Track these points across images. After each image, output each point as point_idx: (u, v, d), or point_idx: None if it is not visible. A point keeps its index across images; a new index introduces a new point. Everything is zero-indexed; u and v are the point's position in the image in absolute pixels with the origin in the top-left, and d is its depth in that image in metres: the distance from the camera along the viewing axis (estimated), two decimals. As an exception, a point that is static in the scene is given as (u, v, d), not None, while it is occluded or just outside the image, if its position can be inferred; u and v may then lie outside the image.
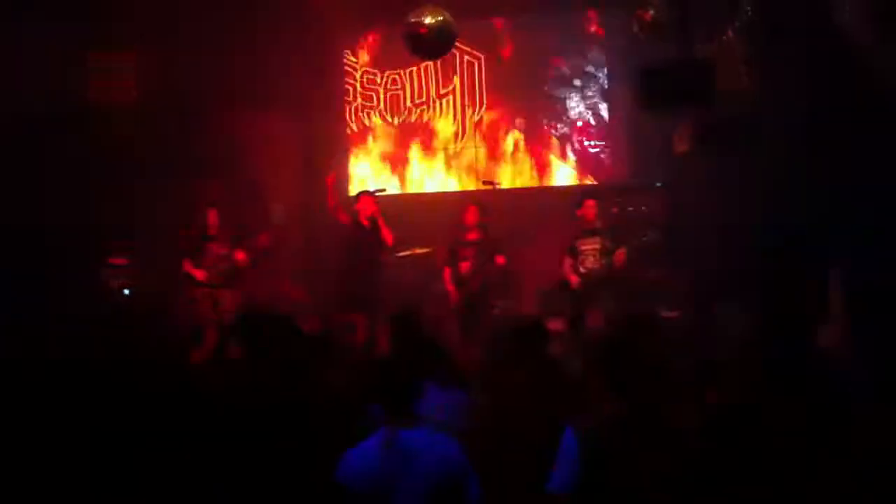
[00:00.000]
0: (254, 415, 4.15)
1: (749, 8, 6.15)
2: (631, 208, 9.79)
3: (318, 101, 10.97)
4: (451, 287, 8.71)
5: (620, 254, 8.00)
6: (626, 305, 7.87)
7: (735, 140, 6.45)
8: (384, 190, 9.24)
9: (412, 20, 6.76)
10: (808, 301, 5.31)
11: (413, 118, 11.11)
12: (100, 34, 8.63)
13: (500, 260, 8.50)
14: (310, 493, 3.70)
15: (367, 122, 11.25)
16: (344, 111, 11.31)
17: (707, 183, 7.61)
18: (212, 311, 8.47)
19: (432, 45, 6.89)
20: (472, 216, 8.69)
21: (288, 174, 10.82)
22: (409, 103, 11.06)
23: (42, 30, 7.99)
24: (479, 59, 10.78)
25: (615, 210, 9.48)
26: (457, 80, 10.90)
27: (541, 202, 10.27)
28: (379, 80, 11.13)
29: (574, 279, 8.33)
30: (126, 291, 8.35)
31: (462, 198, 10.05)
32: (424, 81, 10.98)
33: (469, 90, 10.88)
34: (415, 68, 10.92)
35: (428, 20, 6.73)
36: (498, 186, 9.88)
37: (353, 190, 11.00)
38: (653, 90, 6.21)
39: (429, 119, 11.06)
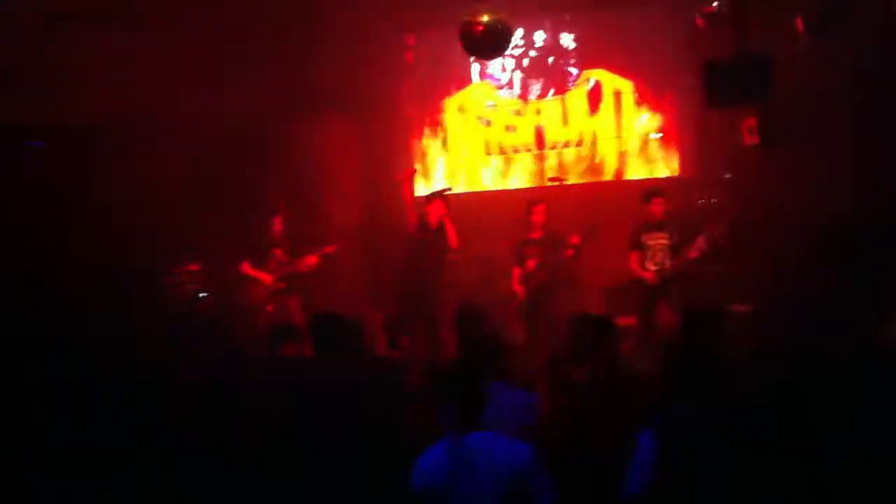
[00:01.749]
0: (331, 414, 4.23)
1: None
2: (701, 201, 9.65)
3: (378, 104, 11.00)
4: (517, 286, 8.70)
5: (700, 241, 7.86)
6: (696, 300, 7.76)
7: (800, 132, 6.32)
8: (450, 189, 9.25)
9: (468, 19, 6.75)
10: (877, 292, 5.17)
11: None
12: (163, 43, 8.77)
13: (575, 240, 8.41)
14: (387, 495, 3.74)
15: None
16: (404, 115, 11.28)
17: (775, 175, 7.46)
18: (277, 315, 8.63)
19: (488, 43, 6.86)
20: (539, 215, 8.66)
21: (350, 180, 10.88)
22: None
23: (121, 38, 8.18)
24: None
25: (682, 205, 9.34)
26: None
27: (607, 198, 10.16)
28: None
29: (647, 275, 8.23)
30: (201, 295, 8.55)
31: (526, 196, 10.00)
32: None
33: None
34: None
35: (485, 18, 6.71)
36: (564, 182, 9.84)
37: (419, 190, 11.06)
38: (716, 84, 6.12)
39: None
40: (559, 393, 4.91)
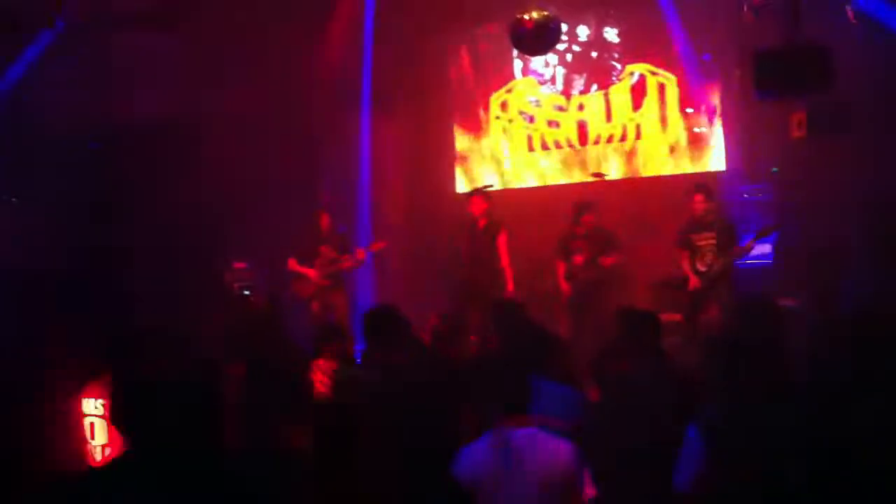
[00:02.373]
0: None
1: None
2: (746, 195, 9.54)
3: (423, 102, 11.03)
4: (563, 282, 8.68)
5: (749, 242, 7.81)
6: (743, 296, 7.68)
7: (849, 123, 6.21)
8: (491, 186, 9.25)
9: (518, 16, 6.77)
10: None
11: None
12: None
13: (608, 261, 8.42)
14: (433, 487, 3.75)
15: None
16: (453, 112, 11.29)
17: (824, 167, 7.35)
18: (323, 311, 8.71)
19: (538, 41, 6.87)
20: (588, 217, 8.65)
21: (397, 178, 10.92)
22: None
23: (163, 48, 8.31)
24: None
25: (728, 199, 9.24)
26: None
27: (651, 193, 10.08)
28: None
29: (694, 280, 8.15)
30: (246, 292, 8.64)
31: (569, 191, 9.97)
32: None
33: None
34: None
35: (535, 15, 6.73)
36: (607, 178, 9.80)
37: (460, 186, 11.08)
38: (768, 74, 6.04)
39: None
40: (604, 388, 4.89)
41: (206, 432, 2.59)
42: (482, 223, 8.63)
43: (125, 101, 8.23)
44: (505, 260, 8.60)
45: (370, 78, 10.07)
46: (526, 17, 6.71)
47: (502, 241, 8.59)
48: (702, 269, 8.16)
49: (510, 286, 8.49)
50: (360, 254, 8.94)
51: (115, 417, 2.85)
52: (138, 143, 8.33)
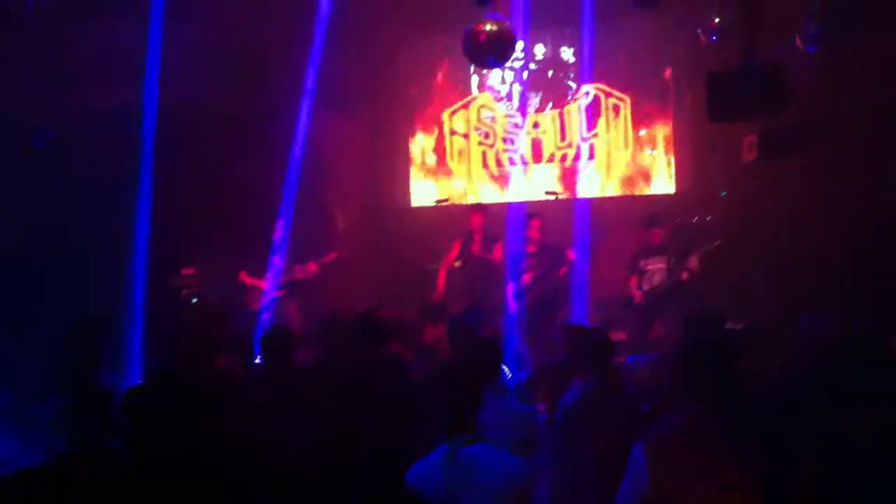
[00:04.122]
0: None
1: (817, 12, 6.03)
2: (696, 218, 9.66)
3: (380, 111, 11.01)
4: (512, 300, 8.71)
5: (693, 260, 7.95)
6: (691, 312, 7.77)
7: (802, 146, 6.33)
8: (446, 200, 9.28)
9: (472, 27, 6.79)
10: (880, 308, 5.18)
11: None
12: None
13: (571, 255, 8.51)
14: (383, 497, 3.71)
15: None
16: (409, 124, 11.28)
17: (772, 190, 7.48)
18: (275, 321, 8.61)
19: (491, 52, 6.90)
20: (535, 230, 8.70)
21: (352, 188, 10.86)
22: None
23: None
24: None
25: (679, 221, 9.35)
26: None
27: (606, 212, 10.16)
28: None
29: (638, 294, 8.30)
30: (194, 300, 8.51)
31: (523, 209, 10.00)
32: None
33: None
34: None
35: (489, 27, 6.75)
36: (560, 196, 9.85)
37: (415, 200, 11.07)
38: (720, 96, 6.12)
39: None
40: (552, 403, 4.90)
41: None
42: (478, 237, 8.78)
43: (81, 93, 8.04)
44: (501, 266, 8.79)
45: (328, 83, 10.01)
46: (479, 27, 6.72)
47: (499, 251, 8.73)
48: (646, 288, 8.30)
49: (510, 287, 8.63)
50: (312, 266, 8.90)
51: None
52: (93, 136, 8.16)
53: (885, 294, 5.38)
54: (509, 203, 10.76)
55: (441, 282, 8.69)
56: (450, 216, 9.24)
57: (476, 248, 8.85)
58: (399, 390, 4.69)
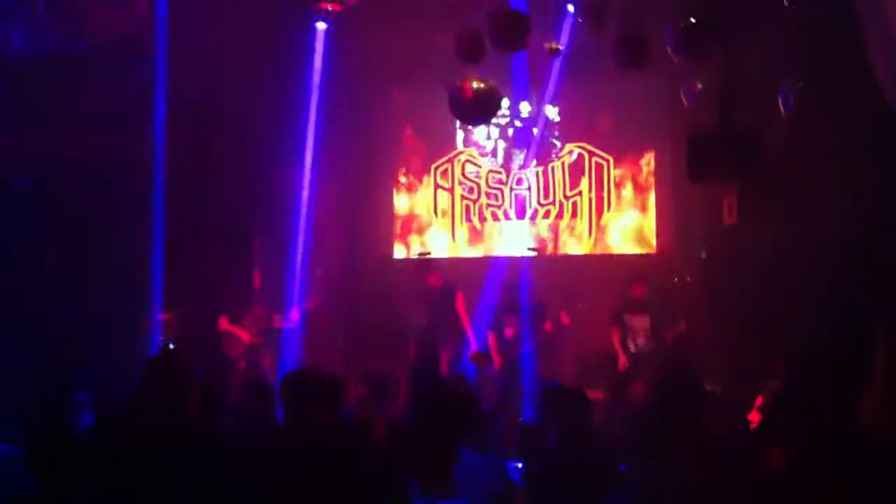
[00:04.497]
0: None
1: (800, 81, 6.16)
2: (676, 279, 9.72)
3: (363, 162, 11.05)
4: (495, 353, 8.70)
5: (679, 329, 8.01)
6: (669, 374, 7.78)
7: (779, 210, 6.42)
8: (429, 254, 9.31)
9: (458, 84, 6.86)
10: (852, 377, 5.20)
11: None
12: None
13: (548, 326, 8.54)
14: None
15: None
16: (392, 177, 11.33)
17: (753, 252, 7.55)
18: (249, 370, 8.56)
19: (477, 110, 6.97)
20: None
21: (334, 238, 10.85)
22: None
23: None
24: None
25: (661, 281, 9.40)
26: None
27: (587, 269, 10.22)
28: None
29: (623, 359, 8.30)
30: (171, 346, 8.44)
31: (505, 264, 10.04)
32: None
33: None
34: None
35: (475, 85, 6.83)
36: (543, 253, 9.91)
37: (398, 253, 11.08)
38: (700, 159, 6.22)
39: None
40: (530, 460, 4.86)
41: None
42: (438, 289, 8.80)
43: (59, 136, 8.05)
44: (465, 321, 8.89)
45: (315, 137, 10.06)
46: (466, 84, 6.79)
47: (461, 303, 8.78)
48: (632, 349, 8.31)
49: (473, 344, 8.63)
50: (294, 313, 8.88)
51: None
52: (71, 179, 8.17)
53: (860, 348, 5.41)
54: (491, 258, 10.82)
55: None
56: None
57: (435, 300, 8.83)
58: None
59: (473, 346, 8.70)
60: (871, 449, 3.38)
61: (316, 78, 9.45)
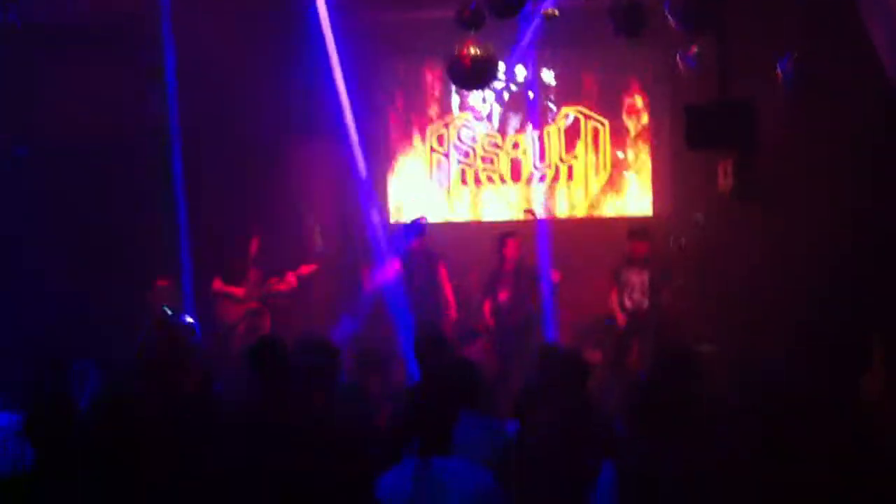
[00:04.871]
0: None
1: (795, 53, 6.16)
2: (672, 242, 9.74)
3: (358, 129, 11.02)
4: (490, 318, 8.74)
5: (667, 293, 8.03)
6: (666, 341, 7.84)
7: (776, 181, 6.45)
8: (424, 218, 9.30)
9: (456, 51, 6.85)
10: (850, 348, 5.26)
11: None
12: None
13: (544, 290, 8.55)
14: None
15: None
16: (388, 142, 11.31)
17: (747, 216, 7.59)
18: (248, 335, 8.60)
19: (475, 76, 6.96)
20: (512, 249, 8.72)
21: (329, 203, 10.86)
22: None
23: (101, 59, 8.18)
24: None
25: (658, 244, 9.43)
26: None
27: (583, 233, 10.24)
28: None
29: (621, 317, 8.31)
30: (168, 311, 8.46)
31: (501, 228, 10.06)
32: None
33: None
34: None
35: (473, 51, 6.81)
36: (538, 216, 9.92)
37: (395, 216, 11.10)
38: (697, 128, 6.23)
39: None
40: (527, 425, 4.92)
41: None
42: (419, 255, 8.76)
43: (58, 109, 8.06)
44: (448, 288, 8.78)
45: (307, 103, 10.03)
46: (464, 51, 6.78)
47: (443, 270, 8.75)
48: (628, 304, 8.33)
49: (453, 314, 8.61)
50: (291, 277, 8.89)
51: None
52: (65, 153, 8.16)
53: (858, 327, 5.46)
54: (487, 222, 10.85)
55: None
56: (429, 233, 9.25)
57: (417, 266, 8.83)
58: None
59: (454, 315, 8.71)
60: (870, 426, 3.44)
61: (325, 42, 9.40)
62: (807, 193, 6.29)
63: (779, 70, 6.15)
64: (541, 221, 10.08)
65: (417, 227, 8.93)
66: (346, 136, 10.15)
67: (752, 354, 6.06)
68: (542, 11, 7.88)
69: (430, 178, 11.21)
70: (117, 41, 8.32)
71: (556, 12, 8.00)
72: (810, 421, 3.44)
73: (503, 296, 8.74)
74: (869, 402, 4.23)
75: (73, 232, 8.17)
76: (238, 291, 8.75)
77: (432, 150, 11.19)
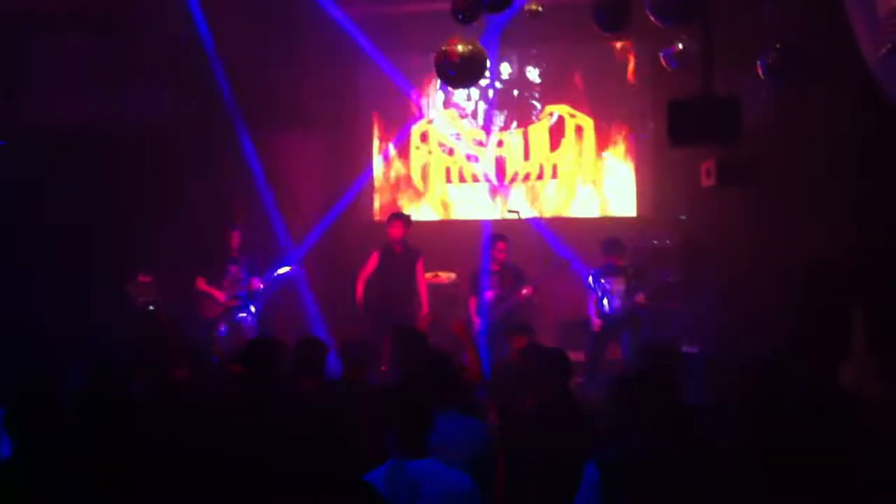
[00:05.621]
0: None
1: (779, 45, 6.15)
2: (655, 241, 9.75)
3: (343, 125, 11.01)
4: (475, 316, 8.72)
5: (640, 297, 8.07)
6: (647, 339, 7.84)
7: (757, 176, 6.44)
8: (409, 215, 9.26)
9: (443, 48, 6.81)
10: (830, 337, 5.26)
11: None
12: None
13: (528, 291, 8.54)
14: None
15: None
16: (372, 139, 11.28)
17: (730, 216, 7.59)
18: (230, 333, 8.56)
19: (463, 74, 6.93)
20: (500, 252, 8.72)
21: (313, 201, 10.81)
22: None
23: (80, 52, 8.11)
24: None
25: (638, 244, 9.43)
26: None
27: (566, 232, 10.23)
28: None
29: (597, 322, 8.36)
30: (151, 307, 8.41)
31: (484, 226, 10.03)
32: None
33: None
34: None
35: (460, 48, 6.78)
36: (521, 215, 9.91)
37: (379, 214, 11.07)
38: (680, 123, 6.22)
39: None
40: (508, 424, 4.89)
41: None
42: (399, 248, 8.70)
43: (39, 102, 7.98)
44: (422, 285, 8.72)
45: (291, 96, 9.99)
46: (451, 48, 6.75)
47: (420, 266, 8.72)
48: (607, 310, 8.36)
49: (426, 310, 8.56)
50: (272, 276, 8.87)
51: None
52: (48, 145, 8.07)
53: (836, 321, 5.47)
54: (470, 220, 10.83)
55: (359, 295, 8.63)
56: (413, 232, 9.22)
57: (395, 260, 8.78)
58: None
59: (426, 311, 8.68)
60: (852, 413, 3.43)
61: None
62: (792, 189, 6.30)
63: (760, 63, 6.15)
64: (525, 220, 10.08)
65: (400, 220, 8.89)
66: (330, 130, 10.16)
67: (738, 351, 6.04)
68: (524, 7, 7.83)
69: (415, 175, 11.18)
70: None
71: (540, 8, 7.97)
72: (796, 414, 3.42)
73: (489, 294, 8.72)
74: (849, 389, 4.21)
75: (55, 227, 8.07)
76: (219, 295, 8.68)
77: (416, 148, 11.17)
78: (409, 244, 8.82)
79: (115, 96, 8.44)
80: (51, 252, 7.88)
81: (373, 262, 8.73)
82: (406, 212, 9.70)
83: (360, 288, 8.66)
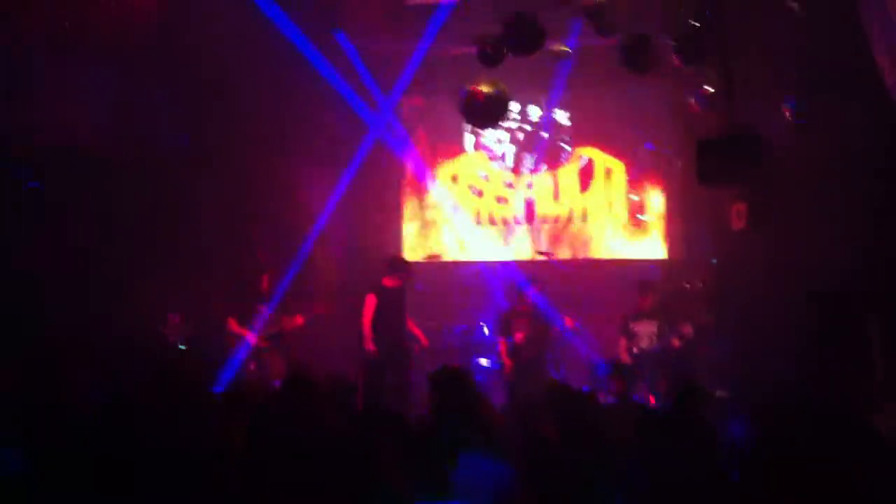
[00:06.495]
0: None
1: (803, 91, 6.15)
2: (687, 285, 9.68)
3: (372, 166, 11.07)
4: (506, 357, 8.69)
5: (687, 326, 8.01)
6: (677, 382, 7.77)
7: (787, 215, 6.42)
8: (439, 256, 9.31)
9: (469, 88, 6.89)
10: (857, 382, 5.18)
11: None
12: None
13: (569, 322, 8.54)
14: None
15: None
16: (402, 179, 11.34)
17: (761, 259, 7.53)
18: (259, 372, 8.59)
19: (487, 113, 7.00)
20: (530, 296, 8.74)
21: (341, 241, 10.84)
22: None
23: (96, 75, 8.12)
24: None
25: (669, 287, 9.37)
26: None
27: (596, 275, 10.19)
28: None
29: (626, 358, 8.33)
30: (181, 347, 8.47)
31: (514, 268, 10.03)
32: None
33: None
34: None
35: (485, 88, 6.85)
36: (552, 257, 9.90)
37: (406, 255, 11.08)
38: (708, 162, 6.23)
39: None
40: (535, 467, 4.84)
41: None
42: (389, 285, 8.73)
43: (56, 125, 7.99)
44: (411, 323, 8.85)
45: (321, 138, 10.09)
46: (477, 88, 6.83)
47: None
48: (636, 351, 8.33)
49: (425, 342, 8.59)
50: (299, 318, 8.90)
51: None
52: (74, 173, 8.12)
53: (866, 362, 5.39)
54: (500, 262, 10.81)
55: (370, 337, 8.62)
56: (440, 271, 9.25)
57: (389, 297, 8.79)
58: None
59: (425, 343, 8.74)
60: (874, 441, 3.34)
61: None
62: (819, 224, 6.25)
63: (786, 107, 6.15)
64: (554, 262, 10.07)
65: (396, 265, 8.95)
66: (361, 168, 10.21)
67: (767, 388, 5.96)
68: (552, 49, 7.90)
69: (444, 216, 11.20)
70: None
71: (568, 49, 8.03)
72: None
73: (519, 336, 8.69)
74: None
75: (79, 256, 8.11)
76: (250, 336, 8.74)
77: (446, 189, 11.21)
78: (403, 290, 8.88)
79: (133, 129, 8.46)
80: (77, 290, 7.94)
81: (371, 304, 8.72)
82: (435, 252, 9.71)
83: (368, 330, 8.63)
